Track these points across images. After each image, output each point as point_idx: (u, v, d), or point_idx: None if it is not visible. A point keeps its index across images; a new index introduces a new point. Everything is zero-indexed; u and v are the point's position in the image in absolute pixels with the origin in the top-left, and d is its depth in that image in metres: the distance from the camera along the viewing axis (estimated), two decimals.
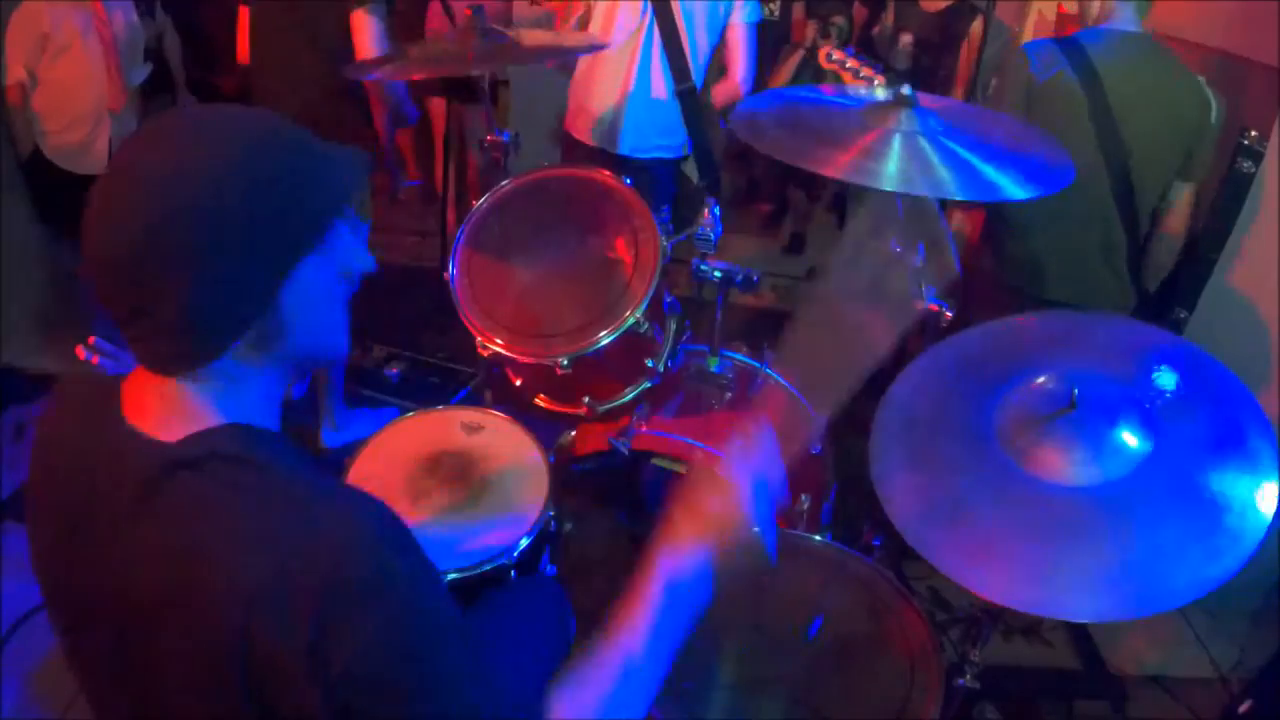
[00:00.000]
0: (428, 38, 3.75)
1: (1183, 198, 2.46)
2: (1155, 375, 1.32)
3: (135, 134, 0.87)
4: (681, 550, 0.99)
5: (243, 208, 0.81)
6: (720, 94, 2.88)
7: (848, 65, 2.19)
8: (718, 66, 2.88)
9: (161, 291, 0.80)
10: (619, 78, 2.77)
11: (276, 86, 2.65)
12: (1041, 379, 1.37)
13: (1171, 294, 2.62)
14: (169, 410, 0.86)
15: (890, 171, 1.56)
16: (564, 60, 2.91)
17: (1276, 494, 1.16)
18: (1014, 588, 1.20)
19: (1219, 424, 1.27)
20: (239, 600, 0.77)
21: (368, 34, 2.53)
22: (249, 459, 0.84)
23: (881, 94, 1.80)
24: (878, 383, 1.48)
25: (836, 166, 1.58)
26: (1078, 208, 2.34)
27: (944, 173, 1.57)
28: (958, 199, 1.59)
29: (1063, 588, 1.18)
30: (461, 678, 0.84)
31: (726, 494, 1.02)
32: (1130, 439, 1.26)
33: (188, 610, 0.79)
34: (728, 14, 2.71)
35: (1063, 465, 1.27)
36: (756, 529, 1.02)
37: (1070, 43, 2.41)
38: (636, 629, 0.94)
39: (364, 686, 0.78)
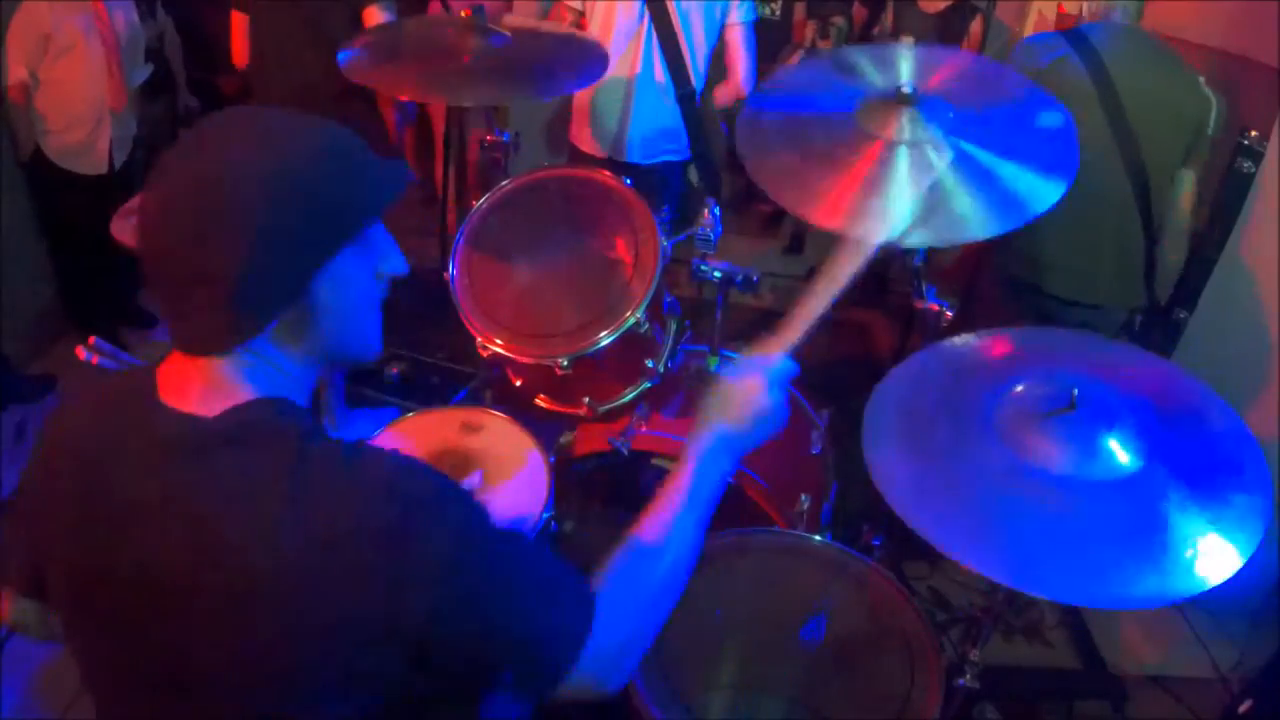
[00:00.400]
0: (428, 19, 3.74)
1: (1185, 186, 2.42)
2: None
3: (202, 123, 0.90)
4: (709, 429, 1.13)
5: (297, 192, 0.85)
6: (723, 95, 2.88)
7: None
8: (719, 68, 2.88)
9: (217, 263, 0.83)
10: (621, 87, 2.76)
11: (280, 87, 2.64)
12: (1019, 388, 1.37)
13: (1172, 294, 2.62)
14: (207, 388, 0.89)
15: (900, 212, 1.44)
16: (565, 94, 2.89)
17: (1229, 561, 1.17)
18: (1007, 566, 1.20)
19: (1208, 467, 1.28)
20: (295, 566, 0.80)
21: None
22: (287, 429, 0.87)
23: (882, 81, 1.72)
24: (878, 382, 1.48)
25: (838, 215, 1.47)
26: (1093, 201, 2.30)
27: (964, 202, 1.46)
28: (981, 239, 1.49)
29: (1056, 569, 1.19)
30: (543, 595, 0.91)
31: (745, 382, 1.17)
32: (1121, 453, 1.27)
33: (231, 593, 0.82)
34: (724, 15, 2.71)
35: (1057, 457, 1.27)
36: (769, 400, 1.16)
37: (1073, 33, 2.41)
38: (675, 504, 1.05)
39: (448, 629, 0.84)
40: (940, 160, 1.51)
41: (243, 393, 0.89)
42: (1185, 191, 2.43)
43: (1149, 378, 1.43)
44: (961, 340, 1.54)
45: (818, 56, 4.30)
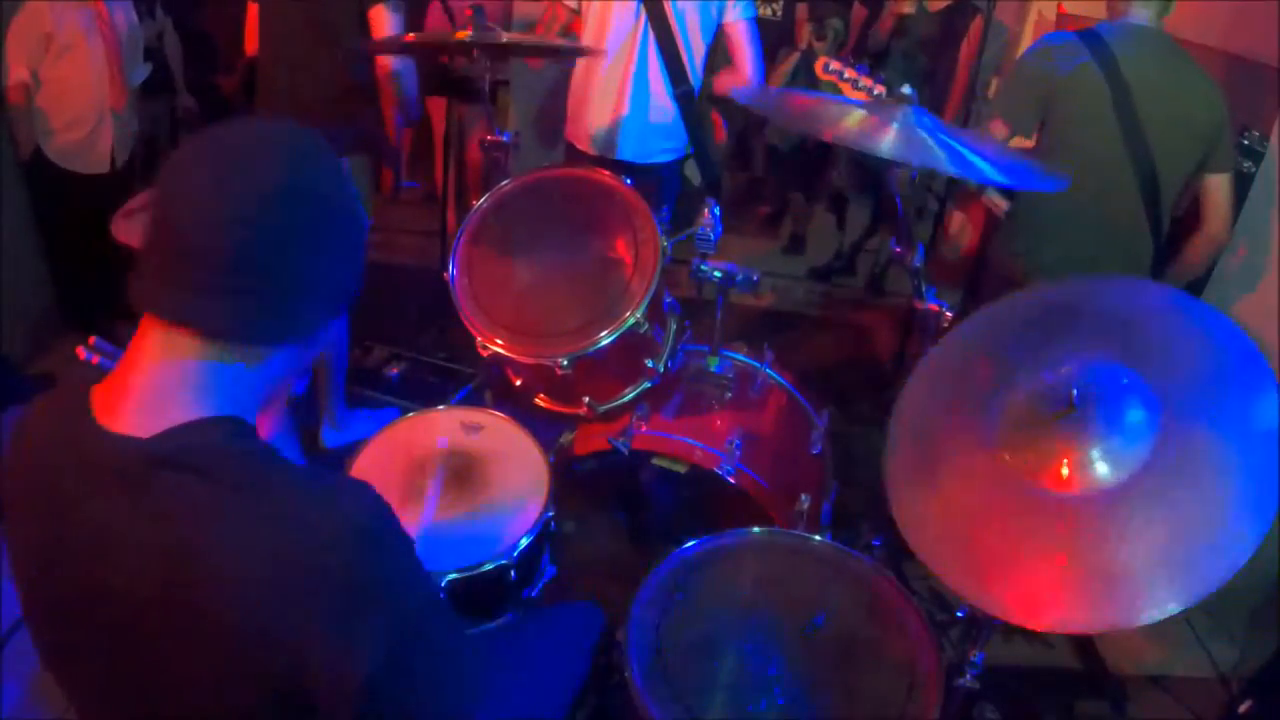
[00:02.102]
0: (428, 28, 3.76)
1: (1218, 191, 2.36)
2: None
3: (194, 140, 0.88)
4: None
5: (353, 238, 0.93)
6: (725, 83, 2.87)
7: (845, 76, 2.17)
8: (716, 63, 2.87)
9: (297, 255, 0.85)
10: (615, 85, 2.76)
11: (288, 83, 2.63)
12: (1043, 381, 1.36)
13: None
14: (144, 405, 0.84)
15: (887, 140, 1.58)
16: (562, 63, 2.90)
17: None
18: (1023, 607, 1.21)
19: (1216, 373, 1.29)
20: (243, 596, 0.78)
21: (388, 29, 2.53)
22: (235, 454, 0.84)
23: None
24: (878, 382, 1.48)
25: (838, 130, 1.61)
26: (1102, 206, 2.31)
27: (938, 151, 1.58)
28: (950, 174, 1.61)
29: (1069, 602, 1.19)
30: (463, 662, 0.90)
31: None
32: (1136, 417, 1.26)
33: (190, 617, 0.79)
34: (720, 14, 2.71)
35: (1071, 470, 1.27)
36: None
37: (1091, 35, 2.38)
38: None
39: (387, 673, 0.80)
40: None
41: (182, 409, 0.84)
42: (1219, 200, 2.37)
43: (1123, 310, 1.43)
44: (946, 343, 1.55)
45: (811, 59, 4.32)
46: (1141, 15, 2.35)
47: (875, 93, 2.08)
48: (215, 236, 0.82)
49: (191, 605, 0.79)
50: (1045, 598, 1.22)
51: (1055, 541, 1.23)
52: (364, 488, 0.85)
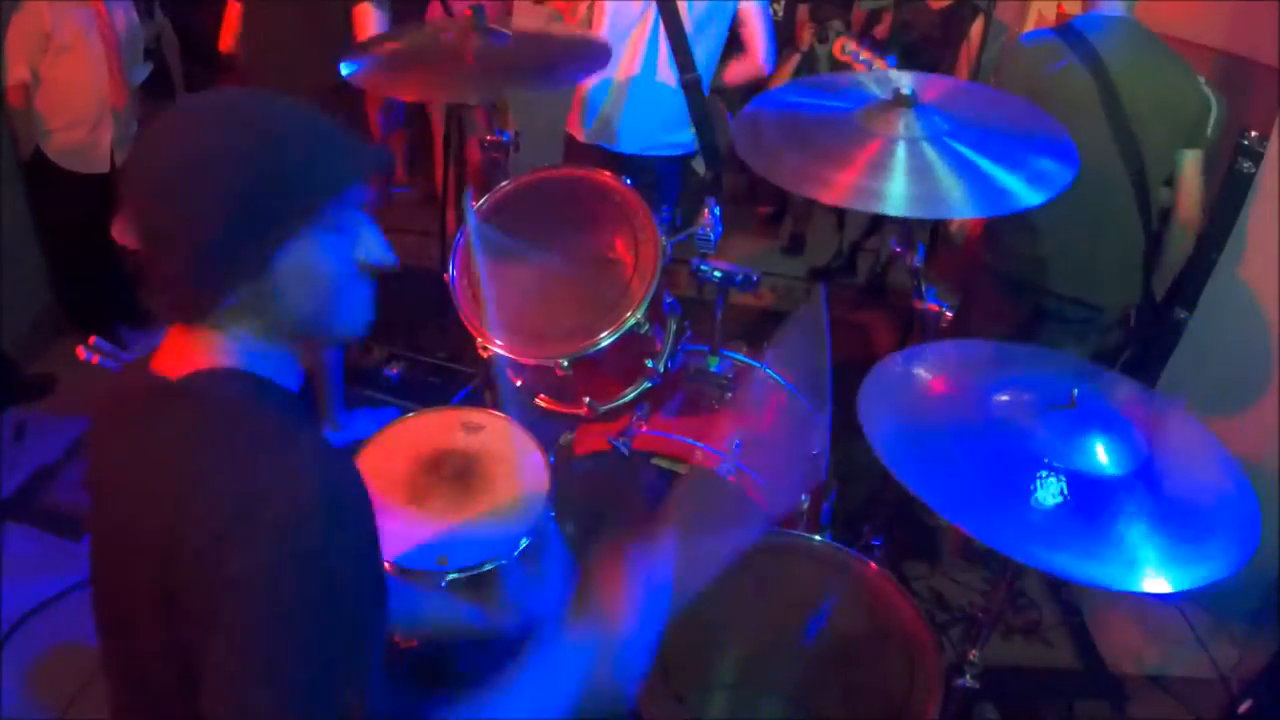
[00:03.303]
0: (427, 26, 3.74)
1: (1186, 168, 2.37)
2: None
3: (187, 98, 0.97)
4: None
5: (255, 170, 0.89)
6: (738, 72, 2.87)
7: (861, 58, 2.31)
8: (727, 54, 2.87)
9: (177, 233, 0.89)
10: (621, 73, 2.74)
11: (272, 83, 2.63)
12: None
13: (1172, 295, 2.61)
14: (184, 355, 0.95)
15: (895, 192, 1.54)
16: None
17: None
18: (995, 529, 1.19)
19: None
20: (174, 504, 0.85)
21: (373, 27, 2.52)
22: (230, 397, 0.92)
23: (880, 92, 1.78)
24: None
25: (837, 190, 1.57)
26: (1094, 199, 2.31)
27: (952, 185, 1.55)
28: (969, 217, 1.59)
29: (1045, 540, 1.18)
30: (290, 672, 0.82)
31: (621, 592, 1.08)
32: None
33: (146, 520, 0.87)
34: (735, 4, 2.71)
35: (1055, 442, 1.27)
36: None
37: (1069, 31, 2.39)
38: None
39: (223, 604, 0.81)
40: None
41: (213, 360, 0.94)
42: (1189, 179, 2.38)
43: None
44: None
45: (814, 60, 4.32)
46: (1116, 7, 2.36)
47: (888, 72, 2.11)
48: (137, 232, 0.91)
49: (152, 521, 0.86)
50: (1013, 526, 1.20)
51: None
52: (345, 472, 0.92)
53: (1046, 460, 1.25)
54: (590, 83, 2.80)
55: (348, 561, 0.87)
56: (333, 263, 0.95)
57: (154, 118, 0.94)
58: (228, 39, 2.89)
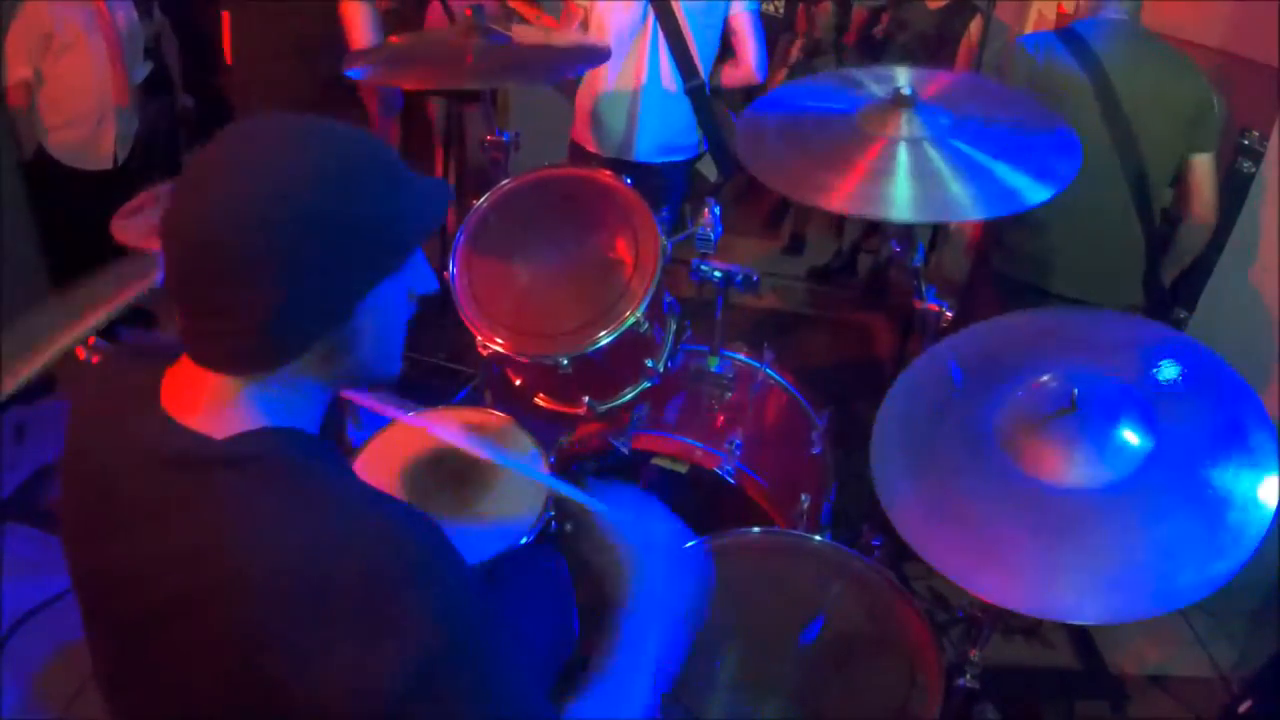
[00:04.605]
0: (427, 29, 3.74)
1: (1199, 170, 2.36)
2: (1157, 370, 1.31)
3: (238, 127, 0.85)
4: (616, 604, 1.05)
5: (345, 220, 0.81)
6: (730, 77, 2.87)
7: None
8: (722, 57, 2.87)
9: (255, 290, 0.80)
10: (628, 84, 2.75)
11: (259, 89, 2.63)
12: (1044, 378, 1.36)
13: (1172, 294, 2.61)
14: (216, 407, 0.86)
15: (900, 197, 1.54)
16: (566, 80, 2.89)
17: (1278, 487, 1.16)
18: (1018, 591, 1.20)
19: (1220, 420, 1.26)
20: (272, 601, 0.77)
21: (360, 23, 2.52)
22: (296, 462, 0.84)
23: (880, 92, 1.78)
24: (878, 382, 1.48)
25: (840, 197, 1.57)
26: (1094, 201, 2.31)
27: (958, 188, 1.54)
28: (977, 219, 1.58)
29: (1066, 590, 1.19)
30: (508, 678, 0.84)
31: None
32: (1131, 437, 1.26)
33: (214, 608, 0.79)
34: (727, 5, 2.71)
35: (1065, 466, 1.27)
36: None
37: (1068, 33, 2.40)
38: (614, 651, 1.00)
39: (407, 694, 0.76)
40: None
41: (252, 417, 0.85)
42: (1202, 181, 2.37)
43: (1121, 337, 1.43)
44: (946, 345, 1.55)
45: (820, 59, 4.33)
46: (1117, 11, 2.37)
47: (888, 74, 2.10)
48: (193, 270, 0.81)
49: (216, 599, 0.79)
50: (1033, 584, 1.21)
51: (1046, 529, 1.23)
52: (413, 512, 0.85)
53: None
54: (596, 96, 2.81)
55: (467, 570, 0.86)
56: (398, 303, 0.91)
57: (218, 140, 0.84)
58: (229, 53, 2.87)
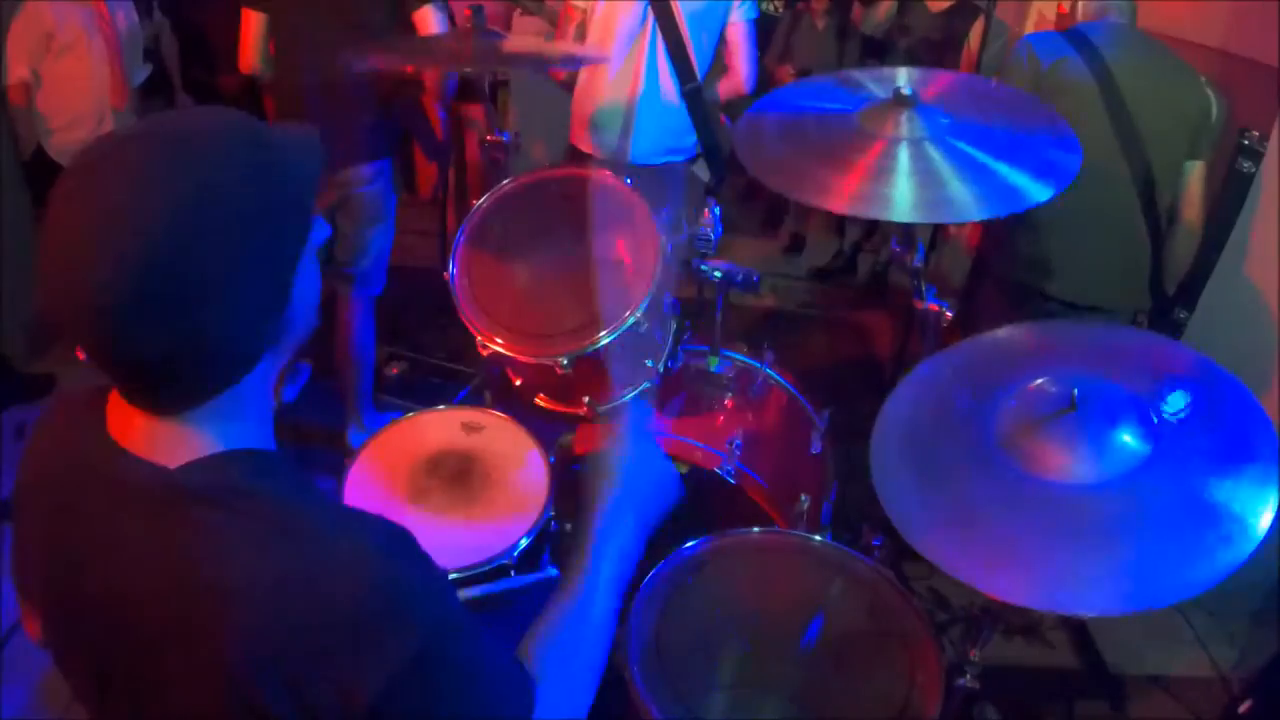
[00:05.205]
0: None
1: (1192, 177, 2.38)
2: (1164, 404, 1.30)
3: (77, 166, 0.75)
4: (604, 509, 1.07)
5: (246, 219, 0.75)
6: (723, 89, 2.88)
7: None
8: (719, 65, 2.88)
9: (191, 331, 0.74)
10: (626, 87, 2.75)
11: (310, 87, 2.59)
12: (1041, 381, 1.36)
13: (1173, 295, 2.61)
14: (160, 435, 0.81)
15: (900, 198, 1.54)
16: (569, 71, 2.89)
17: (1274, 509, 1.16)
18: (1026, 588, 1.20)
19: (1223, 436, 1.26)
20: (256, 636, 0.76)
21: (434, 28, 2.54)
22: (261, 491, 0.81)
23: (880, 92, 1.78)
24: (878, 382, 1.48)
25: (840, 197, 1.58)
26: (1099, 203, 2.31)
27: (958, 188, 1.54)
28: (978, 219, 1.59)
29: (1074, 582, 1.18)
30: (487, 680, 0.85)
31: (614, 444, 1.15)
32: (1130, 440, 1.26)
33: (197, 643, 0.78)
34: (726, 12, 2.71)
35: (1064, 464, 1.27)
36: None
37: (1074, 34, 2.40)
38: (586, 587, 1.01)
39: (399, 708, 0.78)
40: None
41: (201, 442, 0.81)
42: (1193, 187, 2.40)
43: (1127, 350, 1.44)
44: (948, 354, 1.55)
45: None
46: (1118, 14, 2.39)
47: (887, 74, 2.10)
48: (99, 327, 0.73)
49: (198, 634, 0.77)
50: (1041, 581, 1.21)
51: (1049, 526, 1.23)
52: (381, 521, 0.84)
53: None
54: (594, 99, 2.81)
55: (438, 576, 0.86)
56: (312, 259, 0.85)
57: (64, 197, 0.73)
58: (248, 58, 2.72)
